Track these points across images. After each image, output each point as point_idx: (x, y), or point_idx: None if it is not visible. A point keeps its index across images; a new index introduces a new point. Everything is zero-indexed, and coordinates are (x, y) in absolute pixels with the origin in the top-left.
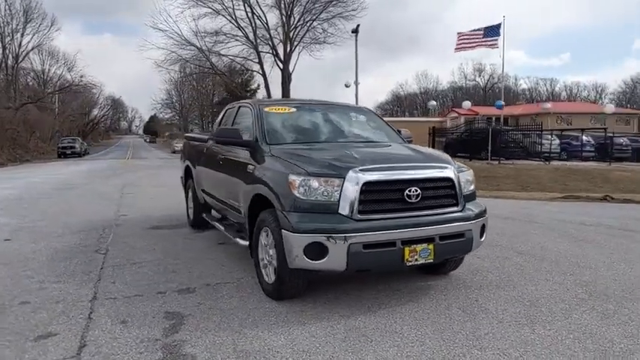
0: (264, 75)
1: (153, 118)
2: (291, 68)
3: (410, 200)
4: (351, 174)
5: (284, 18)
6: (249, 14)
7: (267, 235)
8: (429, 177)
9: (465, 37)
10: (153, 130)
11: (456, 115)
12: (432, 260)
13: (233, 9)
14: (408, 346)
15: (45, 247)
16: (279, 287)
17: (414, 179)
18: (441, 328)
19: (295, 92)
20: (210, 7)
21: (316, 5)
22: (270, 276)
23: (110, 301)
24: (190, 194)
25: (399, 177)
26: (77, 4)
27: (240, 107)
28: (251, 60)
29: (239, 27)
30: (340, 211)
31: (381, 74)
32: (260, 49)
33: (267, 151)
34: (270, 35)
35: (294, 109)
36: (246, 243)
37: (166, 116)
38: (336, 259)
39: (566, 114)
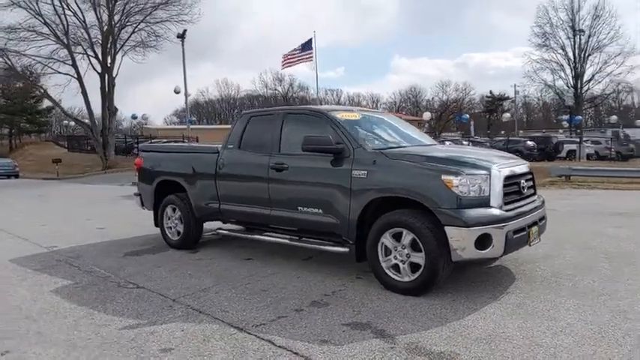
0: (79, 79)
1: None
2: (114, 72)
3: (522, 191)
4: (494, 170)
5: (102, 17)
6: (59, 9)
7: (393, 236)
8: (527, 171)
9: (289, 56)
10: None
11: None
12: (538, 241)
13: (37, 2)
14: (584, 311)
15: (43, 292)
16: (423, 283)
17: (522, 173)
18: (577, 293)
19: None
20: None
21: (139, 5)
22: (406, 274)
23: (266, 327)
24: (177, 213)
25: (518, 171)
26: None
27: (288, 114)
28: (62, 61)
29: (45, 23)
30: (491, 203)
31: (178, 80)
32: (74, 50)
33: (377, 155)
34: (89, 35)
35: (359, 116)
36: (346, 250)
37: None
38: (498, 246)
39: None
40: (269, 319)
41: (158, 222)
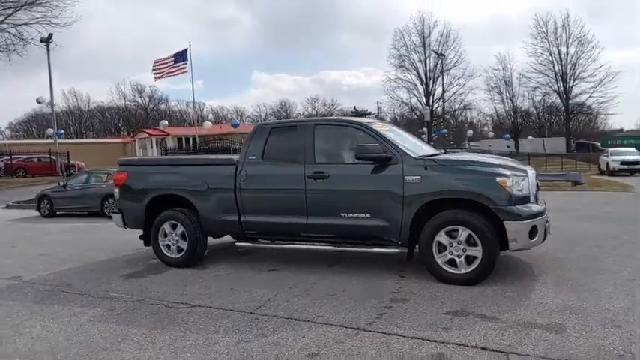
0: None
1: None
2: None
3: (539, 190)
4: (529, 172)
5: None
6: None
7: (447, 234)
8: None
9: (161, 64)
10: None
11: (147, 135)
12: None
13: None
14: (612, 283)
15: (81, 323)
16: (481, 273)
17: (534, 175)
18: (588, 271)
19: None
20: None
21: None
22: (462, 267)
23: (379, 324)
24: (178, 230)
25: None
26: None
27: (318, 125)
28: None
29: None
30: (530, 200)
31: (9, 91)
32: None
33: (427, 162)
34: None
35: (387, 128)
36: (396, 251)
37: None
38: (540, 236)
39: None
40: (374, 318)
41: (150, 241)
